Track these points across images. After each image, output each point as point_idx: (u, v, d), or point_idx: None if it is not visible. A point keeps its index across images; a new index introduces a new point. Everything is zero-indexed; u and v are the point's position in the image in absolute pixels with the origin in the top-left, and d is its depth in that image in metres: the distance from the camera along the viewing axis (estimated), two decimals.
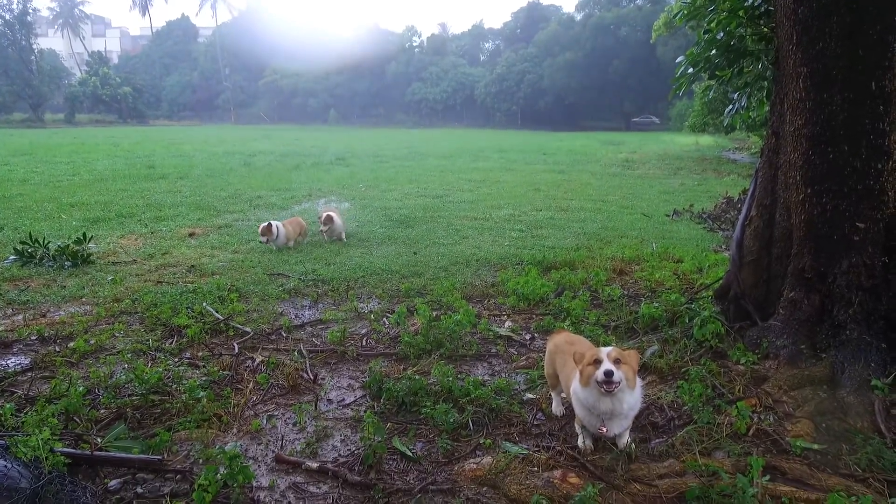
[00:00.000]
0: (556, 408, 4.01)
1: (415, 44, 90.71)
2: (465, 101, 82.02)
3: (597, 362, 3.22)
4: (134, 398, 4.10)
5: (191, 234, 9.87)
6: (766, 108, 5.31)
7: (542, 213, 12.38)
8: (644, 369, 4.51)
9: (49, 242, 8.14)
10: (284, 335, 5.54)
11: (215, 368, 4.61)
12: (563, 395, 3.99)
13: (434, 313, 5.68)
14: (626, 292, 6.56)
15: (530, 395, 4.29)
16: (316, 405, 4.19)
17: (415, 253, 8.66)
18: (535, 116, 76.78)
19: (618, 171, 22.02)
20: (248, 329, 5.56)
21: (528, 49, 78.35)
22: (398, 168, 21.76)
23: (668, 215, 12.36)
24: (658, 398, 4.07)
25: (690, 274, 7.12)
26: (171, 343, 5.28)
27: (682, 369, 4.38)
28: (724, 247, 9.38)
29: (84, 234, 8.33)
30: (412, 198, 14.34)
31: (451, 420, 3.75)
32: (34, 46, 72.56)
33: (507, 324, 5.76)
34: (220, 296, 6.52)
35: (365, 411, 4.04)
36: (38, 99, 71.18)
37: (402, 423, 3.92)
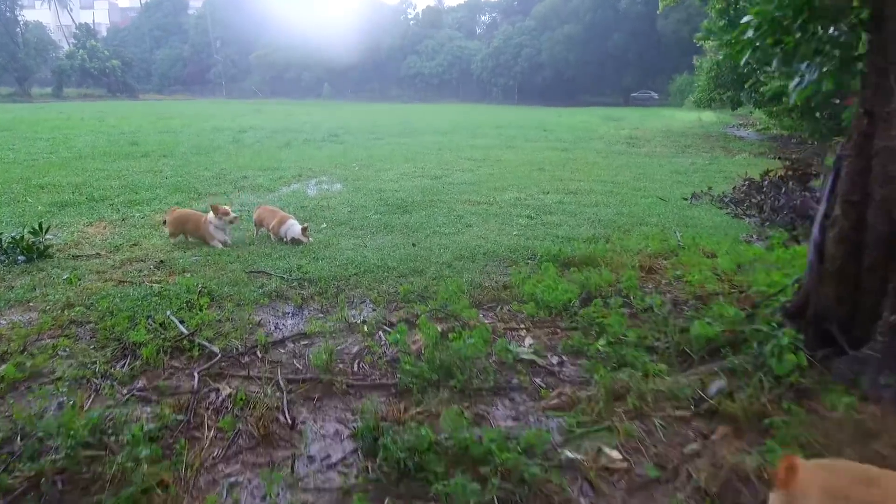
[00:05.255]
0: None
1: (409, 16, 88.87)
2: (461, 76, 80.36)
3: None
4: (58, 459, 3.17)
5: (164, 222, 8.89)
6: (833, 82, 4.36)
7: (549, 195, 11.40)
8: (711, 416, 3.58)
9: (1, 233, 7.15)
10: (259, 356, 4.60)
11: (168, 411, 3.68)
12: None
13: (440, 328, 4.74)
14: (664, 298, 5.60)
15: (570, 454, 3.28)
16: (293, 466, 3.25)
17: (413, 244, 7.71)
18: (533, 91, 75.31)
19: (623, 148, 21.00)
20: (215, 349, 4.61)
21: (525, 22, 76.55)
22: (394, 145, 20.70)
23: (685, 199, 11.40)
24: (740, 464, 3.07)
25: (732, 274, 6.20)
26: (123, 366, 4.36)
27: (762, 418, 3.45)
28: (754, 236, 8.47)
29: (41, 224, 7.33)
30: (409, 178, 13.33)
31: (472, 501, 2.82)
32: (20, 18, 70.33)
33: (528, 341, 4.79)
34: (189, 300, 5.58)
35: (356, 476, 3.12)
36: (25, 72, 69.23)
37: (404, 498, 3.00)
